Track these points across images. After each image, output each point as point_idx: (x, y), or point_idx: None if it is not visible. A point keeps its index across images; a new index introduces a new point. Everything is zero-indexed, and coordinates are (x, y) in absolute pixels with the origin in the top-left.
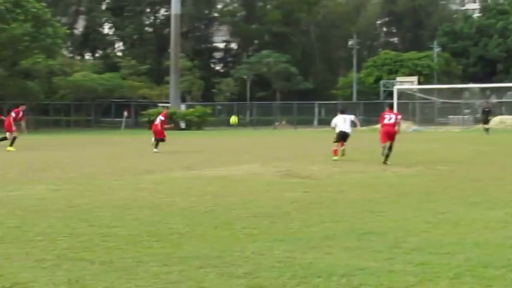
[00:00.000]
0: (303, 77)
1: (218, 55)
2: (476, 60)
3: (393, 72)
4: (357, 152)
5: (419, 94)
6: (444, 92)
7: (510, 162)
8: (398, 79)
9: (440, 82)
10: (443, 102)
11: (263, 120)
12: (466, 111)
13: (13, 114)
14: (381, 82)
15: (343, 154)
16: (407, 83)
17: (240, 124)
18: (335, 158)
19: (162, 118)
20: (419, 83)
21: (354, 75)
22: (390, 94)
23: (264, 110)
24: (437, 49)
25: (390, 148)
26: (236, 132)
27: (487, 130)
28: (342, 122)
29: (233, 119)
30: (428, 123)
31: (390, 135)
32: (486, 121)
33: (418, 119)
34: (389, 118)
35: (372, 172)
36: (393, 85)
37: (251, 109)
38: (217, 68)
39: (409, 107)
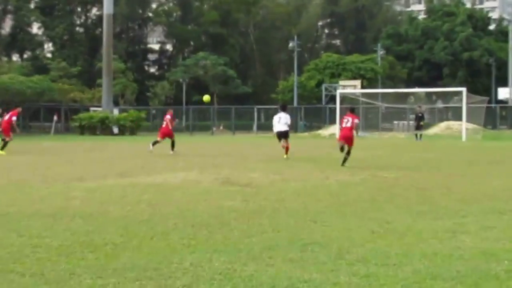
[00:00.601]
0: (241, 81)
1: (152, 57)
2: (422, 63)
3: (336, 76)
4: (299, 159)
5: (363, 99)
6: (389, 97)
7: (457, 169)
8: (341, 82)
9: (384, 86)
10: (388, 107)
11: (200, 125)
12: (411, 116)
13: (14, 118)
14: (323, 86)
15: (286, 153)
16: (350, 87)
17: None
18: (285, 156)
19: (169, 117)
20: (363, 87)
21: (295, 78)
22: (332, 99)
23: (201, 114)
24: (381, 52)
25: (348, 152)
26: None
27: (419, 136)
28: (277, 121)
29: (206, 98)
30: (372, 129)
31: (346, 137)
32: (418, 127)
33: (362, 124)
34: (346, 121)
35: (314, 180)
36: (335, 89)
37: (187, 114)
38: (152, 70)
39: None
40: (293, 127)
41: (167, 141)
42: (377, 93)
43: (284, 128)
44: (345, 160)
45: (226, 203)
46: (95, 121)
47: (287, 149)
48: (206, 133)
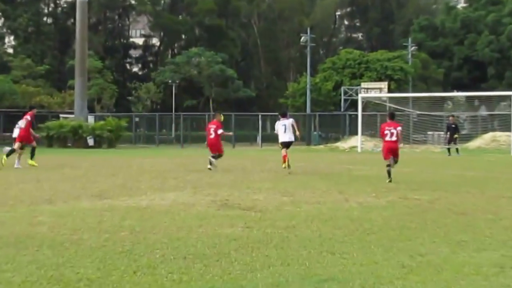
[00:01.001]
0: (243, 82)
1: (135, 53)
2: (461, 62)
3: (357, 77)
4: (312, 177)
5: (390, 105)
6: (421, 102)
7: (505, 190)
8: (363, 85)
9: (416, 89)
10: (420, 114)
11: (193, 135)
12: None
13: (28, 118)
14: (342, 88)
15: (288, 166)
16: (374, 91)
17: (164, 140)
18: (284, 165)
19: (214, 127)
20: (390, 90)
21: (307, 80)
22: (353, 104)
23: (194, 123)
24: (412, 48)
25: (395, 161)
26: (160, 151)
27: (455, 150)
28: (282, 130)
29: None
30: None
31: (394, 152)
32: (451, 140)
33: None
34: (389, 133)
35: (331, 203)
36: (356, 92)
37: (177, 122)
38: (135, 69)
39: (377, 120)
40: (306, 138)
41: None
42: (407, 98)
43: (292, 138)
44: (389, 173)
45: (225, 230)
46: (66, 130)
47: (285, 157)
48: (200, 145)
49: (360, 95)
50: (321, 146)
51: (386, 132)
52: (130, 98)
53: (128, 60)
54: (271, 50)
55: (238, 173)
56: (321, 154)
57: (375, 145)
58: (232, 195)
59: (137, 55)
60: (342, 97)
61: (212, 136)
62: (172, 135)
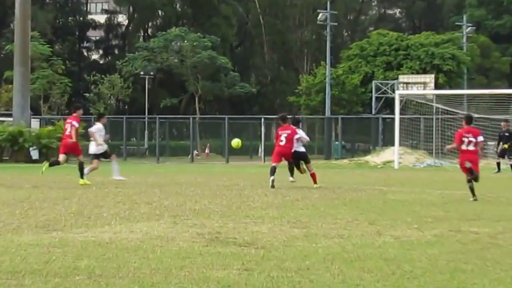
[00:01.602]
0: (240, 74)
1: (95, 35)
2: None
3: (394, 68)
4: (333, 202)
5: (438, 105)
6: (480, 102)
7: None
8: (402, 78)
9: (472, 84)
10: (478, 118)
11: (173, 146)
12: None
13: (75, 124)
14: (373, 83)
15: (315, 181)
16: (416, 86)
17: (134, 152)
18: (316, 186)
19: (289, 132)
20: (437, 85)
21: (327, 71)
22: (388, 104)
23: (175, 129)
24: (467, 29)
25: (475, 178)
26: (128, 167)
27: (510, 167)
28: (282, 141)
29: (236, 143)
30: (452, 154)
31: (475, 164)
32: (503, 153)
33: (437, 146)
34: (467, 142)
35: (358, 237)
36: (393, 89)
37: (151, 128)
38: (94, 57)
39: (421, 126)
40: (325, 150)
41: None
42: (460, 96)
43: (300, 148)
44: (472, 190)
45: (216, 273)
46: (1, 138)
47: (314, 176)
48: (183, 160)
49: (397, 92)
50: (345, 161)
51: (466, 138)
52: (87, 95)
53: (86, 44)
54: (278, 32)
55: (233, 197)
56: (345, 172)
57: (417, 159)
58: (225, 226)
59: (97, 38)
60: (373, 95)
61: (283, 143)
62: (145, 145)
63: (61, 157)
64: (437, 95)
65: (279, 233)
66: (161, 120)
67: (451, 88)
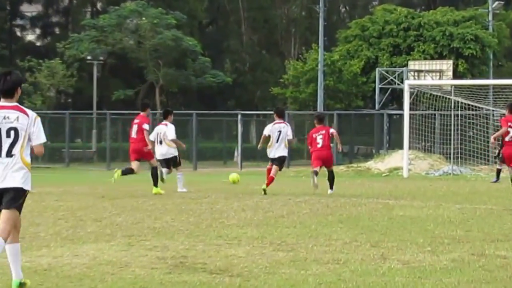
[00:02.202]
0: (212, 60)
1: (31, 10)
2: None
3: (403, 52)
4: (328, 219)
5: (457, 98)
6: (510, 95)
7: None
8: (412, 65)
9: (500, 72)
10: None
11: (128, 149)
12: None
13: (146, 127)
14: (377, 71)
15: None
16: (431, 75)
17: (79, 156)
18: (264, 187)
19: (323, 133)
20: (457, 74)
21: (319, 56)
22: (395, 97)
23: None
24: (494, 4)
25: None
26: (72, 175)
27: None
28: (275, 138)
29: (234, 177)
30: (473, 159)
31: None
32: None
33: (455, 150)
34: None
35: (358, 262)
36: (402, 78)
37: (101, 126)
38: (30, 38)
39: (436, 124)
40: None
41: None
42: (486, 87)
43: (284, 152)
44: None
45: None
46: None
47: (271, 179)
48: (140, 166)
49: (407, 82)
50: (342, 168)
51: (509, 129)
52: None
53: (18, 22)
54: (259, 7)
55: (203, 213)
56: (342, 181)
57: (431, 166)
58: (192, 249)
59: (34, 14)
60: (377, 86)
61: (320, 145)
62: (93, 147)
63: (134, 164)
64: (456, 86)
65: (259, 257)
66: (113, 117)
67: (473, 77)
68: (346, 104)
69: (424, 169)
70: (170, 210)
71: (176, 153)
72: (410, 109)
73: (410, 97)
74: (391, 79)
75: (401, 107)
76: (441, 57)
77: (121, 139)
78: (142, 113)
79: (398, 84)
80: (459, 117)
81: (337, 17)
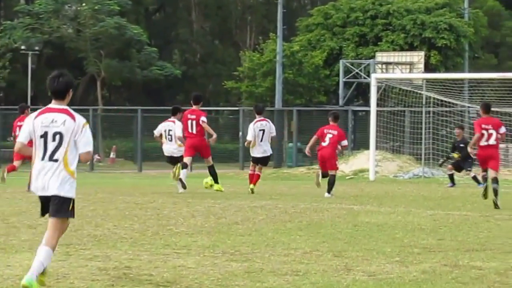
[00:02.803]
0: (159, 51)
1: None
2: None
3: (369, 42)
4: (287, 226)
5: (429, 94)
6: (488, 90)
7: None
8: (380, 56)
9: (477, 65)
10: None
11: None
12: None
13: (204, 119)
14: (341, 63)
15: (254, 183)
16: (400, 67)
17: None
18: (251, 186)
19: (335, 133)
20: (428, 67)
21: (278, 47)
22: (361, 92)
23: None
24: None
25: (496, 180)
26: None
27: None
28: (259, 138)
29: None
30: (447, 161)
31: (492, 159)
32: (466, 165)
33: (427, 150)
34: (487, 136)
35: (320, 274)
36: (368, 70)
37: None
38: None
39: (405, 122)
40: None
41: None
42: (461, 82)
43: (268, 151)
44: (495, 192)
45: None
46: None
47: (257, 177)
48: (79, 167)
49: (373, 76)
50: (302, 169)
51: (483, 132)
52: None
53: None
54: None
55: (148, 219)
56: (302, 185)
57: (400, 168)
58: (137, 259)
59: None
60: (342, 79)
61: (326, 143)
62: None
63: (188, 159)
64: (428, 80)
65: (210, 268)
66: None
67: (447, 70)
68: (307, 100)
69: (392, 171)
70: (112, 216)
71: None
72: (378, 105)
73: (378, 92)
74: (357, 72)
75: (367, 103)
76: (411, 48)
77: None
78: (194, 107)
79: (364, 78)
80: (431, 114)
81: (297, 3)
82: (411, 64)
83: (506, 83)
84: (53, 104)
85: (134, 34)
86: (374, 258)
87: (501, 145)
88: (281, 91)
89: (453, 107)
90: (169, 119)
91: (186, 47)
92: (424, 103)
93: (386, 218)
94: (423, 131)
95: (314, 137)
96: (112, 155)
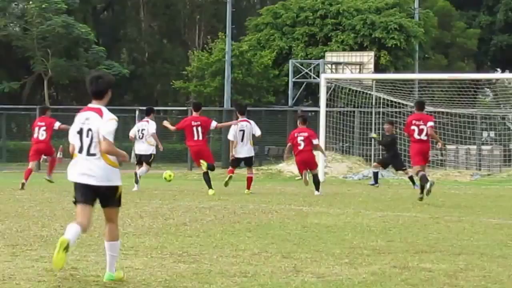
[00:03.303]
0: (107, 50)
1: None
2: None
3: (319, 42)
4: (234, 227)
5: (379, 94)
6: (438, 90)
7: None
8: (330, 56)
9: (427, 65)
10: (436, 113)
11: (13, 148)
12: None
13: (213, 124)
14: (291, 63)
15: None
16: (350, 67)
17: None
18: (246, 191)
19: (306, 135)
20: (378, 67)
21: (226, 45)
22: (311, 92)
23: (16, 125)
24: None
25: (424, 178)
26: None
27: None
28: (240, 138)
29: (168, 174)
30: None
31: (424, 154)
32: (396, 164)
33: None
34: (418, 131)
35: (268, 275)
36: (317, 71)
37: None
38: None
39: (355, 122)
40: (222, 155)
41: None
42: (411, 82)
43: (251, 151)
44: (423, 188)
45: None
46: None
47: (250, 180)
48: (26, 167)
49: (323, 76)
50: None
51: (413, 127)
52: None
53: None
54: None
55: (95, 220)
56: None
57: (350, 169)
58: (83, 260)
59: None
60: (291, 79)
61: (302, 147)
62: None
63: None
64: (378, 81)
65: (158, 269)
66: None
67: (397, 71)
68: (256, 100)
69: (342, 172)
70: (59, 216)
71: (154, 152)
72: (327, 105)
73: (327, 93)
74: (306, 72)
75: (316, 103)
76: (361, 48)
77: (4, 136)
78: (195, 114)
79: (314, 78)
80: (380, 115)
81: (246, 3)
82: (361, 64)
83: (456, 84)
84: (91, 104)
85: (82, 33)
86: (323, 260)
87: (451, 146)
88: (230, 91)
89: (403, 107)
90: (143, 119)
91: (134, 46)
92: (373, 103)
93: (336, 219)
94: (373, 132)
95: (288, 145)
96: (59, 155)
